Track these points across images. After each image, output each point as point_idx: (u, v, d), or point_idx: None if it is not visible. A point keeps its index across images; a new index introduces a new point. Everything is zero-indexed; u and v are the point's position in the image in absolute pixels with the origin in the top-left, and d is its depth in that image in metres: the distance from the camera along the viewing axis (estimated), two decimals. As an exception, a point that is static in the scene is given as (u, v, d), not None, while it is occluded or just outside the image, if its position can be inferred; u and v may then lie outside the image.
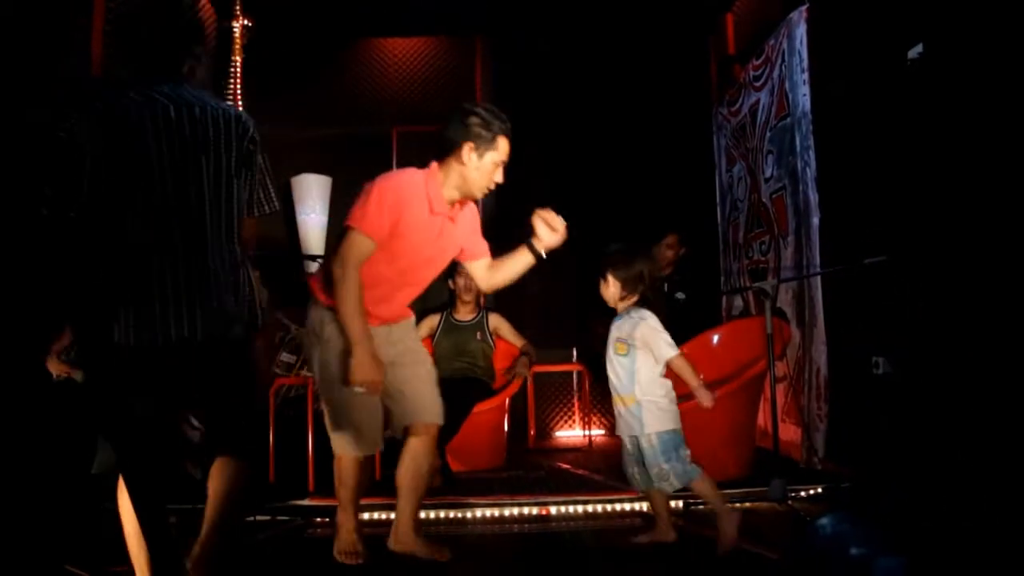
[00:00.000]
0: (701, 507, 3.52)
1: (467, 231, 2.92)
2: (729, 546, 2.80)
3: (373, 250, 2.65)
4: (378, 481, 4.08)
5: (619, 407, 3.06)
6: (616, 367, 3.05)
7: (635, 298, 3.05)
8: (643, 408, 2.96)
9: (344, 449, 2.88)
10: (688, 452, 2.99)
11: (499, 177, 2.75)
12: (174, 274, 2.17)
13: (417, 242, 2.73)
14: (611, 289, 3.05)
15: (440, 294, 5.05)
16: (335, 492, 2.95)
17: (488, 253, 2.99)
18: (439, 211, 2.74)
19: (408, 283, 2.87)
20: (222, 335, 2.24)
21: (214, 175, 2.27)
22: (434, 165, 2.78)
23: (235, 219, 2.32)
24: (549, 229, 2.75)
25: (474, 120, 2.69)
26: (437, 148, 2.76)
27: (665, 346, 2.96)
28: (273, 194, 2.50)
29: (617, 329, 3.06)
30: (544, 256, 2.84)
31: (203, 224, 2.23)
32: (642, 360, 2.98)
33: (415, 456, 2.86)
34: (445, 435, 3.85)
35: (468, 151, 2.69)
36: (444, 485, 4.00)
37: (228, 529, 2.36)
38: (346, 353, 2.65)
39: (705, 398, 2.98)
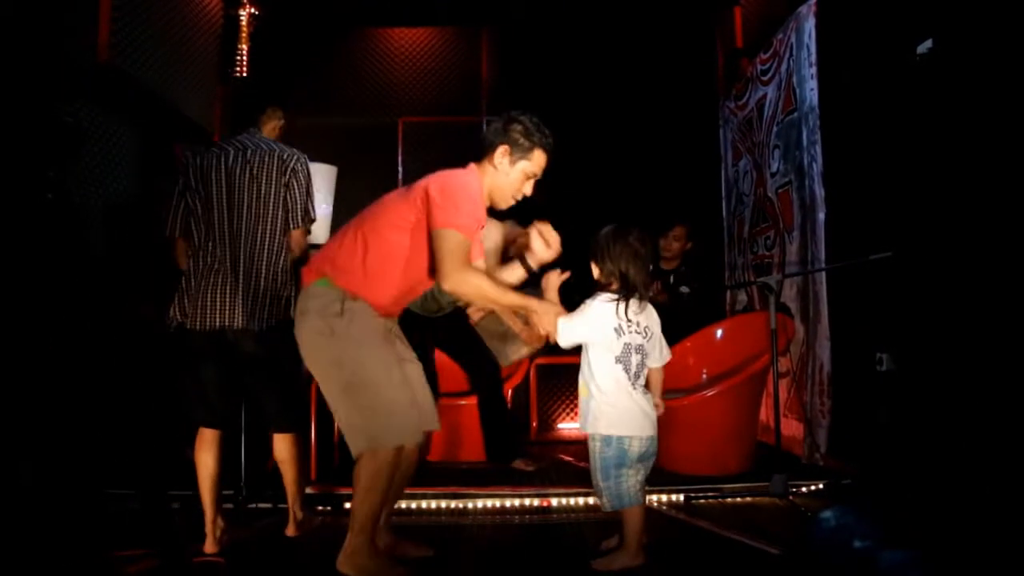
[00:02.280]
0: (701, 500, 3.52)
1: (479, 240, 2.87)
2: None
3: (468, 249, 2.53)
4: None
5: (580, 400, 2.78)
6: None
7: (614, 286, 2.73)
8: (594, 403, 2.72)
9: (391, 438, 2.50)
10: (642, 477, 2.74)
11: (528, 190, 2.72)
12: (222, 278, 2.97)
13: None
14: (594, 274, 2.79)
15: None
16: (357, 504, 2.51)
17: (482, 256, 2.90)
18: (481, 217, 2.71)
19: (420, 280, 2.70)
20: (257, 327, 2.96)
21: (255, 201, 3.07)
22: (473, 166, 2.73)
23: (273, 233, 3.09)
24: (544, 244, 2.74)
25: (516, 127, 2.67)
26: (477, 149, 2.72)
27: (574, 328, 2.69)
28: (301, 209, 3.24)
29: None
30: (535, 271, 2.80)
31: (242, 239, 3.02)
32: (594, 354, 2.72)
33: (410, 459, 2.69)
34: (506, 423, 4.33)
35: (502, 154, 2.66)
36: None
37: (301, 485, 3.19)
38: (358, 330, 2.49)
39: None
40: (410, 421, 2.54)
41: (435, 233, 2.49)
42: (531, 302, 2.59)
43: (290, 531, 3.14)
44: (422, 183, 2.59)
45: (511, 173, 2.68)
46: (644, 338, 2.72)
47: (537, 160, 2.69)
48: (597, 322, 2.67)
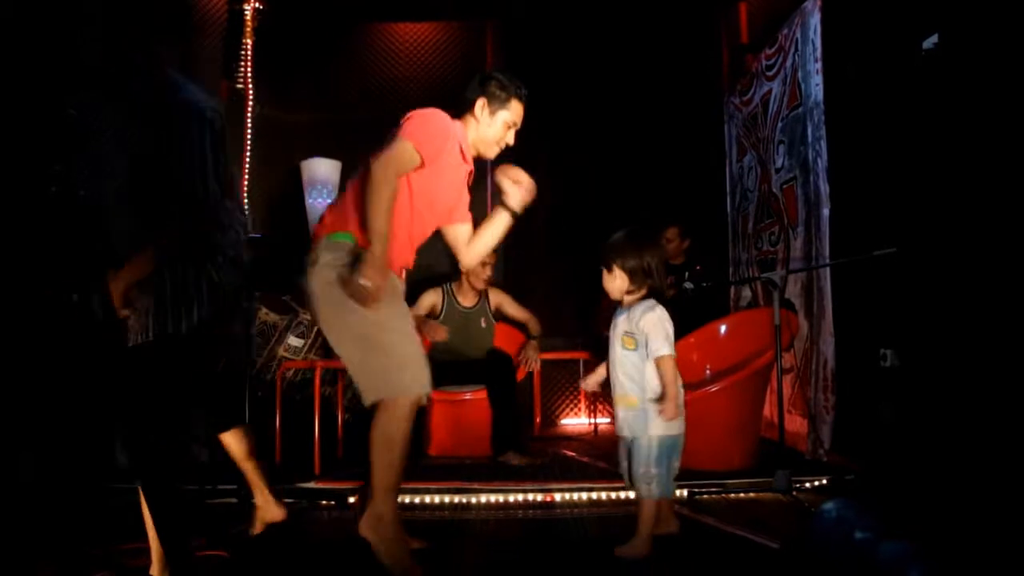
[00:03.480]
0: (705, 496, 3.52)
1: (466, 194, 2.96)
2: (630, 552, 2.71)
3: (413, 166, 2.60)
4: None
5: (623, 409, 2.81)
6: (624, 365, 2.80)
7: (643, 292, 2.81)
8: (652, 409, 2.74)
9: (411, 386, 2.53)
10: (677, 465, 2.82)
11: (510, 139, 2.86)
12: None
13: (445, 184, 2.76)
14: (616, 281, 2.83)
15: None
16: (378, 466, 2.53)
17: (471, 221, 2.97)
18: (467, 159, 2.83)
19: (416, 231, 2.76)
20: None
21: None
22: (463, 121, 2.85)
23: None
24: (515, 184, 2.80)
25: (492, 82, 2.81)
26: (456, 109, 2.84)
27: (664, 341, 2.73)
28: None
29: (625, 322, 2.82)
30: (519, 213, 2.85)
31: None
32: (647, 357, 2.77)
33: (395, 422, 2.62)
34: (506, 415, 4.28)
35: (481, 107, 2.80)
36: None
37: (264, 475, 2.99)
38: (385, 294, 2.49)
39: (669, 411, 2.69)
40: (423, 373, 2.56)
41: (395, 139, 2.58)
42: (380, 241, 2.46)
43: (278, 515, 3.01)
44: (417, 113, 2.69)
45: (492, 123, 2.81)
46: None
47: (515, 109, 2.81)
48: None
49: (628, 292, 2.84)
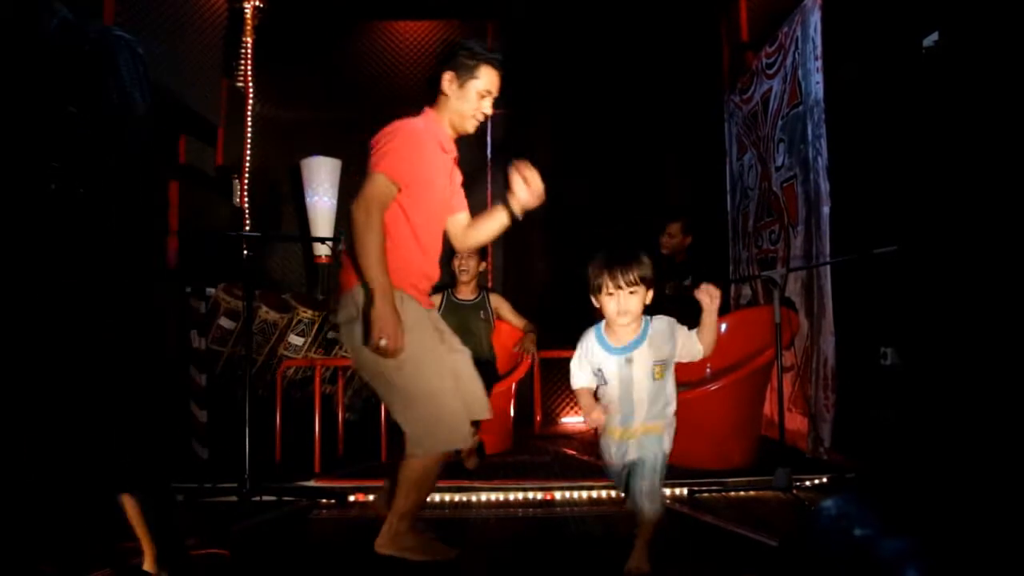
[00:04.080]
0: (705, 494, 3.52)
1: (459, 181, 2.92)
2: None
3: (394, 195, 2.57)
4: (383, 463, 4.11)
5: (640, 437, 2.52)
6: (654, 397, 2.50)
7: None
8: (667, 432, 2.53)
9: (442, 446, 2.59)
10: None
11: (487, 108, 2.74)
12: None
13: (438, 186, 2.71)
14: (636, 298, 2.47)
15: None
16: (404, 499, 2.62)
17: (467, 209, 2.95)
18: (448, 149, 2.77)
19: (428, 243, 2.72)
20: None
21: None
22: (427, 109, 2.79)
23: None
24: (525, 185, 2.70)
25: (459, 51, 2.71)
26: (428, 92, 2.78)
27: (689, 339, 2.54)
28: None
29: (649, 352, 2.49)
30: (519, 217, 2.78)
31: None
32: (670, 378, 2.55)
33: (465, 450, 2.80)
34: None
35: (448, 81, 2.70)
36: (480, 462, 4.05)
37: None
38: (417, 336, 2.53)
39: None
40: (462, 429, 2.62)
41: (369, 174, 2.55)
42: (383, 296, 2.45)
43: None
44: (386, 131, 2.66)
45: (463, 96, 2.70)
46: None
47: (486, 76, 2.70)
48: None
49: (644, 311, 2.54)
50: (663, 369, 2.51)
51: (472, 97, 2.71)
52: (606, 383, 2.52)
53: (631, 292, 2.45)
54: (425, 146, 2.65)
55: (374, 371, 2.59)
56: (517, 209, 2.76)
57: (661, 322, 2.54)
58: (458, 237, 2.95)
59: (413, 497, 2.63)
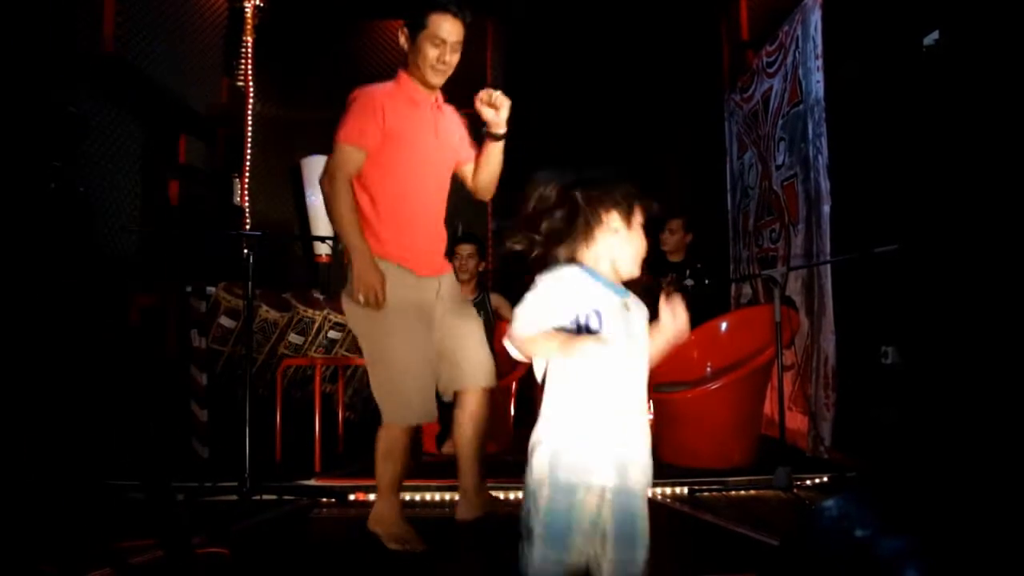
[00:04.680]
0: (705, 493, 3.52)
1: (459, 135, 2.91)
2: None
3: (362, 162, 2.64)
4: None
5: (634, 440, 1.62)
6: (642, 378, 1.67)
7: None
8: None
9: (395, 416, 2.69)
10: None
11: (450, 57, 2.70)
12: None
13: (415, 138, 2.72)
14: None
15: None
16: (376, 471, 2.77)
17: (473, 157, 2.94)
18: (421, 99, 2.75)
19: (422, 201, 2.76)
20: None
21: None
22: (400, 71, 2.81)
23: None
24: (492, 108, 2.70)
25: (411, 3, 2.70)
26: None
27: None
28: None
29: (638, 308, 1.71)
30: (504, 133, 2.77)
31: None
32: None
33: (474, 417, 2.80)
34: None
35: (403, 38, 2.72)
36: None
37: None
38: (399, 311, 2.62)
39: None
40: (417, 406, 2.67)
41: (334, 144, 2.68)
42: (358, 253, 2.58)
43: None
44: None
45: (416, 48, 2.69)
46: None
47: (435, 24, 2.65)
48: None
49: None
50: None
51: (425, 49, 2.67)
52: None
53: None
54: (383, 105, 2.66)
55: (357, 334, 2.77)
56: (499, 129, 2.75)
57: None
58: (473, 187, 2.96)
59: (380, 469, 2.74)
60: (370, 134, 2.63)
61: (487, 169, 2.87)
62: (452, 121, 2.89)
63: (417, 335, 2.70)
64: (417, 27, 2.67)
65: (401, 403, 2.68)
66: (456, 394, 2.84)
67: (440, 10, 2.64)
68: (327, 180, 2.65)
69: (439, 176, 2.83)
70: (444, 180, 2.86)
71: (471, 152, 2.93)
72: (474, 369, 2.79)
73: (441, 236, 2.87)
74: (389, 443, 2.72)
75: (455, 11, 2.65)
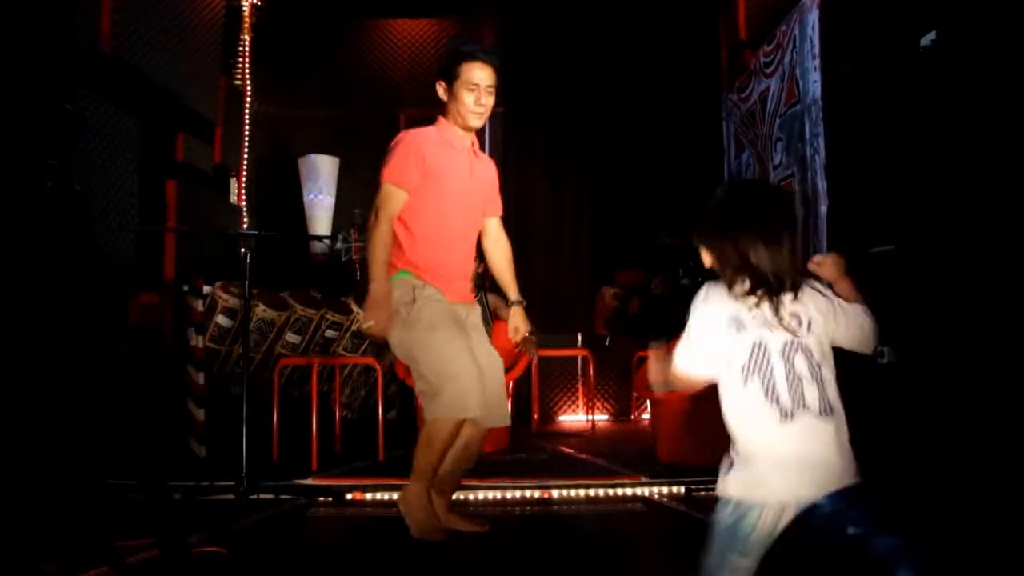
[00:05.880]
0: (702, 492, 3.52)
1: (490, 181, 3.10)
2: None
3: (405, 200, 2.84)
4: (381, 461, 4.11)
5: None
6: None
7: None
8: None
9: (446, 408, 2.72)
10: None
11: (485, 100, 2.89)
12: None
13: (452, 178, 2.91)
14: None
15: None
16: (416, 457, 2.81)
17: (500, 214, 3.17)
18: (460, 146, 2.96)
19: (448, 234, 2.93)
20: None
21: None
22: (439, 118, 3.02)
23: None
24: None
25: (445, 57, 2.95)
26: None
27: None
28: None
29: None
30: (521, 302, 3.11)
31: None
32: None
33: (469, 445, 2.91)
34: None
35: (442, 91, 2.94)
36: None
37: None
38: (428, 314, 2.78)
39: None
40: (471, 398, 2.72)
41: (380, 183, 2.86)
42: (378, 283, 2.77)
43: None
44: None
45: (455, 98, 2.90)
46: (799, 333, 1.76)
47: (467, 73, 2.87)
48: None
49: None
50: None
51: (462, 96, 2.88)
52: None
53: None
54: (423, 147, 2.87)
55: (406, 354, 2.86)
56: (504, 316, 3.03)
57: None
58: (484, 239, 3.17)
59: (424, 456, 2.80)
60: (411, 175, 2.83)
61: (497, 269, 3.19)
62: (487, 167, 3.10)
63: (459, 333, 2.85)
64: (452, 78, 2.89)
65: (454, 393, 2.71)
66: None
67: (470, 59, 2.86)
68: (372, 216, 2.85)
69: (471, 213, 3.03)
70: (476, 217, 3.06)
71: (497, 207, 3.17)
72: (491, 408, 2.87)
73: (470, 267, 3.08)
74: (433, 433, 2.77)
75: (483, 57, 2.87)
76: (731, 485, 1.66)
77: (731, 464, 1.68)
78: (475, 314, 3.06)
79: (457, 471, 2.97)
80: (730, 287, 1.73)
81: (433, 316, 2.80)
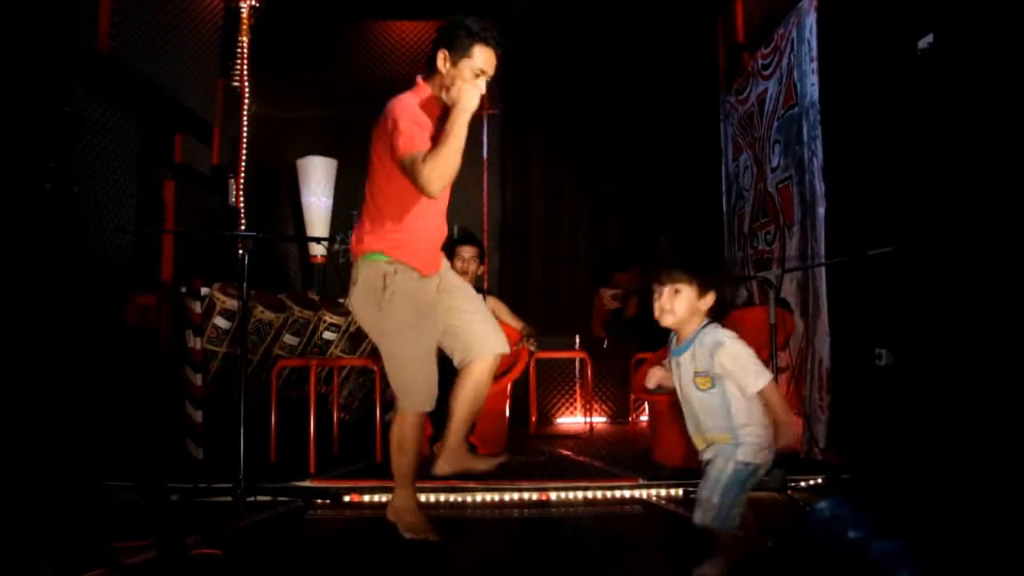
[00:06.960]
0: (701, 495, 3.52)
1: None
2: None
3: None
4: (379, 463, 4.11)
5: (704, 450, 2.48)
6: (705, 407, 2.44)
7: (703, 315, 2.49)
8: (741, 444, 2.37)
9: (408, 403, 2.84)
10: (744, 502, 2.41)
11: (481, 87, 2.71)
12: None
13: None
14: (682, 301, 2.46)
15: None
16: (392, 464, 2.90)
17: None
18: (439, 111, 2.78)
19: (429, 205, 2.81)
20: None
21: None
22: (419, 80, 2.85)
23: None
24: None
25: (454, 29, 2.72)
26: (425, 65, 2.82)
27: (755, 374, 2.36)
28: None
29: (691, 361, 2.46)
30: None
31: None
32: (732, 390, 2.39)
33: (478, 386, 2.88)
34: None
35: (442, 60, 2.73)
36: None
37: None
38: (398, 309, 2.75)
39: (786, 436, 2.36)
40: (423, 395, 2.82)
41: (400, 162, 2.61)
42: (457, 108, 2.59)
43: None
44: (385, 117, 2.71)
45: (456, 74, 2.70)
46: None
47: (480, 56, 2.71)
48: None
49: (692, 314, 2.48)
50: (709, 380, 2.41)
51: (466, 76, 2.70)
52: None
53: (675, 291, 2.47)
54: (423, 114, 2.71)
55: (373, 336, 2.90)
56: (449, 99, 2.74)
57: (714, 335, 2.44)
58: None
59: (399, 460, 2.88)
60: (426, 137, 2.64)
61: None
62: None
63: (424, 329, 2.83)
64: (460, 54, 2.71)
65: (412, 391, 2.82)
66: (466, 363, 2.91)
67: (485, 43, 2.72)
68: (433, 180, 2.54)
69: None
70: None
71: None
72: (487, 338, 2.90)
73: (443, 236, 2.98)
74: (402, 432, 2.85)
75: (495, 45, 2.74)
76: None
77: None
78: (445, 273, 2.97)
79: (472, 413, 2.92)
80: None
81: (403, 313, 2.76)
